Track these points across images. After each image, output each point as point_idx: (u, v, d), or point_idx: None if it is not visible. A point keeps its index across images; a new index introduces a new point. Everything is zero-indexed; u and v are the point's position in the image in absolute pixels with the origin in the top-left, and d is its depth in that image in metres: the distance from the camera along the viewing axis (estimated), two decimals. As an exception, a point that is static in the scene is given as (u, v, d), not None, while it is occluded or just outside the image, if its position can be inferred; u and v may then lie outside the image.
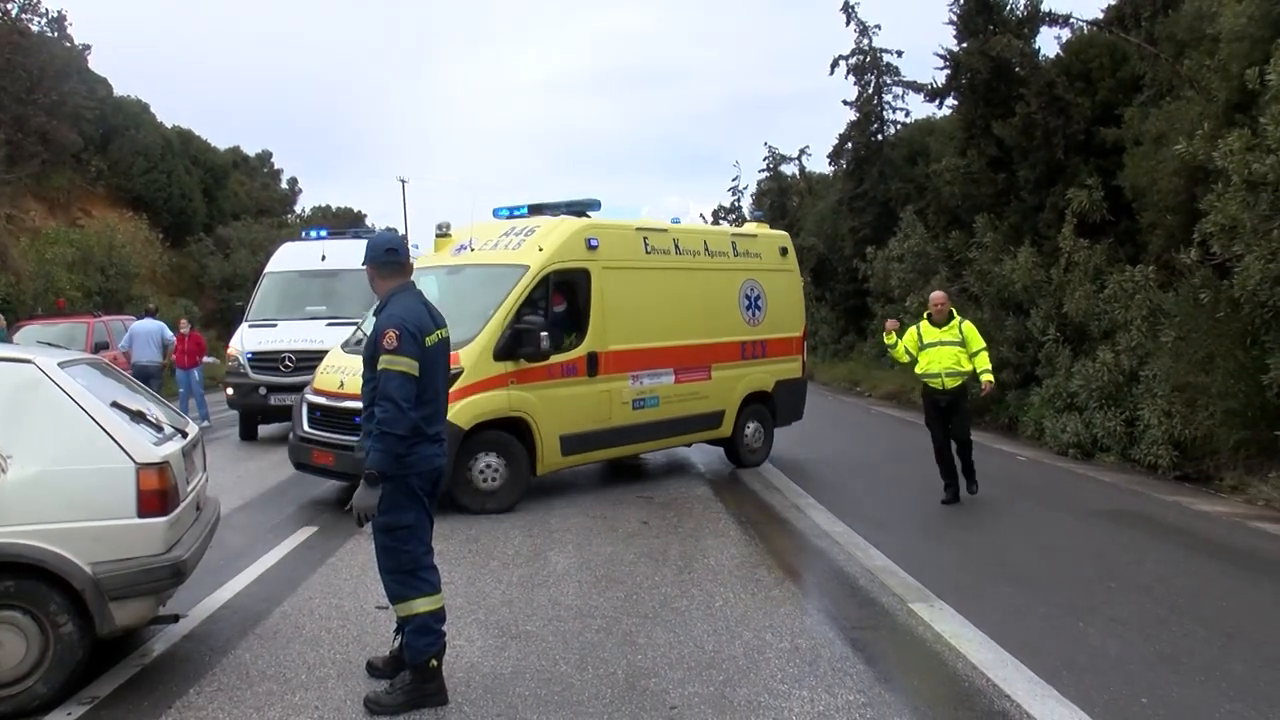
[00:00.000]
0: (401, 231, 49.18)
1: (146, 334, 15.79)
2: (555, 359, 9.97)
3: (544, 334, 9.68)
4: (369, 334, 4.97)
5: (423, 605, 4.85)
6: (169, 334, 16.28)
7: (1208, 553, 8.02)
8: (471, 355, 9.37)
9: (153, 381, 15.60)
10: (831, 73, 30.68)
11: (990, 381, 10.05)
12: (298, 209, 53.15)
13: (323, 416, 9.81)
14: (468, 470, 9.42)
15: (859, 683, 5.11)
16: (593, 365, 10.35)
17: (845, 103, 30.75)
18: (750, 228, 13.51)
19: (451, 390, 8.70)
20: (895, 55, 30.26)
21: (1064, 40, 18.28)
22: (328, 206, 55.47)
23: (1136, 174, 13.71)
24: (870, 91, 30.17)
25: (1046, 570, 7.45)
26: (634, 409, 10.77)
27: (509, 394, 9.60)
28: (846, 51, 30.37)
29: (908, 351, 10.24)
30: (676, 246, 11.63)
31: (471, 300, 10.08)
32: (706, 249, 12.05)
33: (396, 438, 4.65)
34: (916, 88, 27.82)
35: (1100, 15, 17.50)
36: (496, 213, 11.41)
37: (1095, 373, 13.53)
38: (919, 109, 44.69)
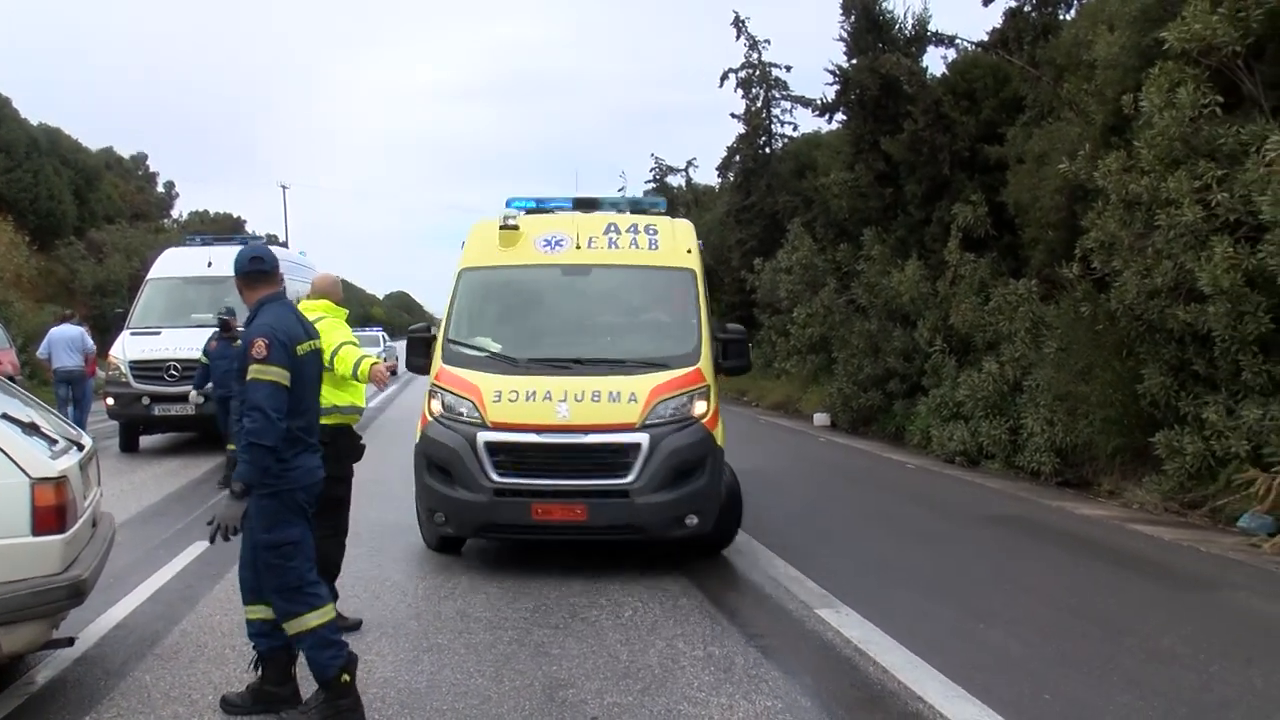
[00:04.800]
0: (282, 238, 48.09)
1: (67, 340, 15.19)
2: None
3: (749, 344, 8.79)
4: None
5: (315, 619, 4.72)
6: (89, 341, 15.67)
7: (1091, 554, 8.38)
8: (708, 371, 7.95)
9: (77, 387, 15.14)
10: (721, 86, 30.99)
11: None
12: (175, 213, 51.51)
13: (532, 459, 7.46)
14: None
15: (775, 689, 5.19)
16: None
17: (734, 116, 31.13)
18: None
19: (711, 413, 7.67)
20: (784, 70, 30.78)
21: (950, 60, 18.92)
22: (206, 211, 53.90)
23: (1019, 191, 14.23)
24: (759, 105, 30.57)
25: (943, 575, 7.68)
26: None
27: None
28: (736, 65, 30.79)
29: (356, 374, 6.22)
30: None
31: (629, 305, 8.92)
32: None
33: (265, 449, 4.53)
34: (805, 102, 28.47)
35: (985, 37, 18.15)
36: (510, 204, 9.07)
37: (981, 382, 14.00)
38: (807, 123, 45.53)
